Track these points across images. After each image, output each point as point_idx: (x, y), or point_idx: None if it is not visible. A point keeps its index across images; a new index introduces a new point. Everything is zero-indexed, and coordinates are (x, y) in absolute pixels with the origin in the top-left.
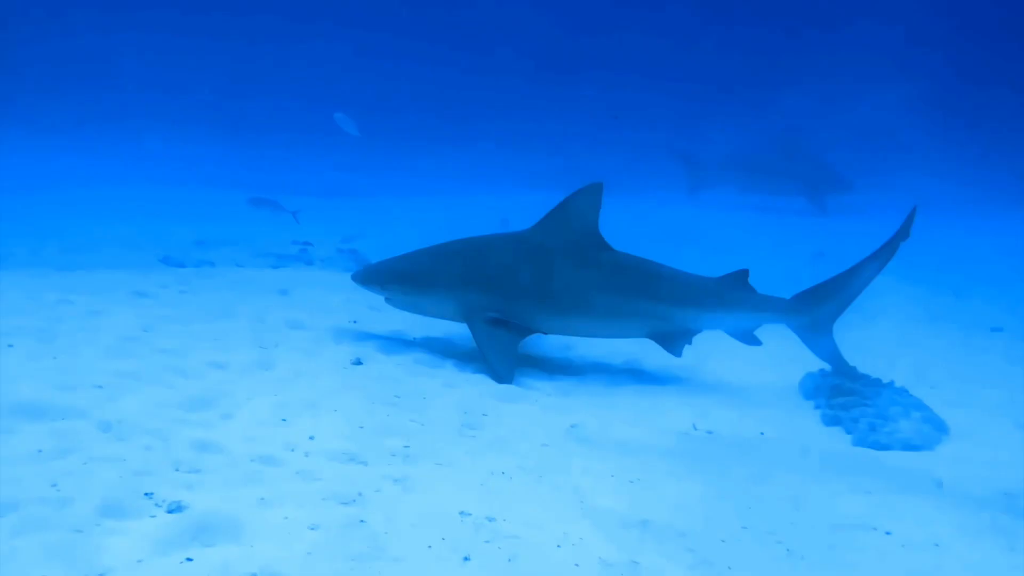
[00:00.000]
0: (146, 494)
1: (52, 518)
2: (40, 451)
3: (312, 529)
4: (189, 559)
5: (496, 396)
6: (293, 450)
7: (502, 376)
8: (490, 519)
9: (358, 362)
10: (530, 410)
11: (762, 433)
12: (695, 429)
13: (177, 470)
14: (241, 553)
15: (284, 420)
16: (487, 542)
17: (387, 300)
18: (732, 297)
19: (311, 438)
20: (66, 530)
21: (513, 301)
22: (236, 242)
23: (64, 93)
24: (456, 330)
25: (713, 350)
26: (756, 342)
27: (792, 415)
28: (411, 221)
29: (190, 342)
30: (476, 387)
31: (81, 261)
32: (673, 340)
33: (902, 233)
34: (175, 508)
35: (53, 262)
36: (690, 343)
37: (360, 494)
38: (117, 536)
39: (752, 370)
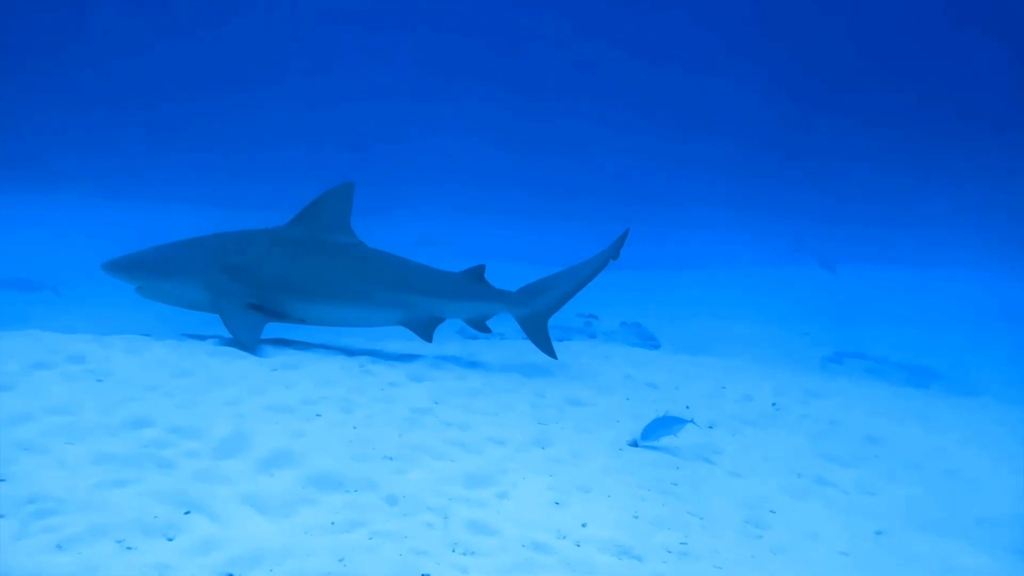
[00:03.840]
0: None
1: None
2: (333, 523)
3: None
4: None
5: (787, 491)
6: (565, 537)
7: (247, 345)
8: None
9: (634, 443)
10: (826, 510)
11: None
12: None
13: (453, 551)
14: None
15: (557, 503)
16: None
17: (137, 290)
18: (470, 289)
19: (583, 525)
20: None
21: (265, 289)
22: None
23: None
24: (740, 413)
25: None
26: (488, 331)
27: None
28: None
29: (474, 416)
30: (763, 479)
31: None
32: (423, 327)
33: (612, 251)
34: None
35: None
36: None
37: None
38: None
39: None
